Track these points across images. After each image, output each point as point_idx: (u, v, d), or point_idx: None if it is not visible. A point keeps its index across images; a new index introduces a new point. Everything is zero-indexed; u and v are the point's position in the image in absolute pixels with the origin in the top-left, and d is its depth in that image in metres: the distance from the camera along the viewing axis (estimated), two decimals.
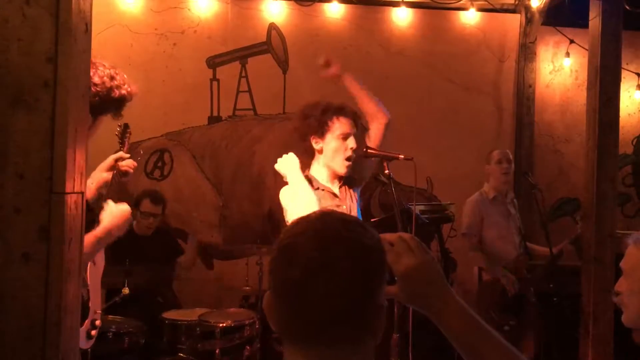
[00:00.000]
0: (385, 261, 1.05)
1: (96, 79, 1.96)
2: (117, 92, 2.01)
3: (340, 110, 2.70)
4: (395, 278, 1.10)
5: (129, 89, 2.07)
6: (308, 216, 1.07)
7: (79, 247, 1.38)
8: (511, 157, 4.25)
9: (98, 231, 1.98)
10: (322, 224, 1.03)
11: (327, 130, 2.68)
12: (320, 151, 2.73)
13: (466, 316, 1.09)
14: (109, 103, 2.01)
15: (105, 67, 2.01)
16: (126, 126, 2.41)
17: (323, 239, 0.99)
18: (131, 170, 2.34)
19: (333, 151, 2.70)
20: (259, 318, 3.79)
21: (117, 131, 2.40)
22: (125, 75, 2.08)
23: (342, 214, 1.08)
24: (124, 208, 2.09)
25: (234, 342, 3.67)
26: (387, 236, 1.12)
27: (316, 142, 2.74)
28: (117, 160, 2.30)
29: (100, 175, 2.30)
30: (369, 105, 2.84)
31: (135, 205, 4.18)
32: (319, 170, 2.79)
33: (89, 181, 2.28)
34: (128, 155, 2.34)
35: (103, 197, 2.21)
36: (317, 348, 0.99)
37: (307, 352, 0.99)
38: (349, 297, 0.97)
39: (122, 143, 2.40)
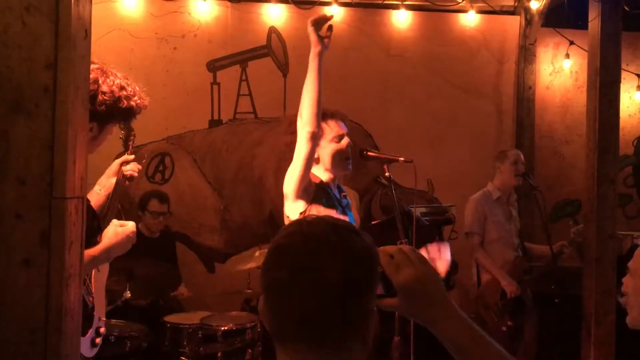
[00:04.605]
0: (376, 268, 1.05)
1: (104, 88, 1.94)
2: (125, 103, 1.99)
3: (326, 115, 2.69)
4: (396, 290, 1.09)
5: (138, 101, 2.06)
6: (300, 220, 1.08)
7: (79, 252, 1.38)
8: (523, 158, 4.24)
9: (95, 250, 1.95)
10: (311, 227, 1.04)
11: (320, 136, 2.65)
12: (318, 160, 2.70)
13: (466, 327, 1.08)
14: (116, 113, 2.00)
15: (117, 76, 2.01)
16: (130, 130, 2.42)
17: (311, 242, 1.01)
18: (136, 174, 2.36)
19: (331, 155, 2.69)
20: (260, 321, 3.79)
21: (121, 135, 2.41)
22: (137, 88, 2.07)
23: (335, 219, 1.09)
24: (127, 227, 2.06)
25: (236, 346, 3.67)
26: (387, 248, 1.11)
27: None
28: (122, 164, 2.32)
29: (108, 181, 2.30)
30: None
31: (141, 207, 4.23)
32: (320, 175, 2.78)
33: (96, 188, 2.29)
34: (132, 157, 2.36)
35: (110, 206, 2.22)
36: (302, 350, 1.00)
37: (293, 353, 1.01)
38: (334, 300, 0.98)
39: (126, 147, 2.43)
